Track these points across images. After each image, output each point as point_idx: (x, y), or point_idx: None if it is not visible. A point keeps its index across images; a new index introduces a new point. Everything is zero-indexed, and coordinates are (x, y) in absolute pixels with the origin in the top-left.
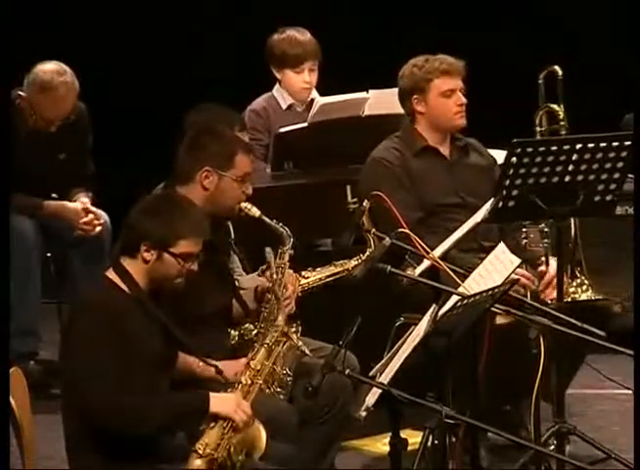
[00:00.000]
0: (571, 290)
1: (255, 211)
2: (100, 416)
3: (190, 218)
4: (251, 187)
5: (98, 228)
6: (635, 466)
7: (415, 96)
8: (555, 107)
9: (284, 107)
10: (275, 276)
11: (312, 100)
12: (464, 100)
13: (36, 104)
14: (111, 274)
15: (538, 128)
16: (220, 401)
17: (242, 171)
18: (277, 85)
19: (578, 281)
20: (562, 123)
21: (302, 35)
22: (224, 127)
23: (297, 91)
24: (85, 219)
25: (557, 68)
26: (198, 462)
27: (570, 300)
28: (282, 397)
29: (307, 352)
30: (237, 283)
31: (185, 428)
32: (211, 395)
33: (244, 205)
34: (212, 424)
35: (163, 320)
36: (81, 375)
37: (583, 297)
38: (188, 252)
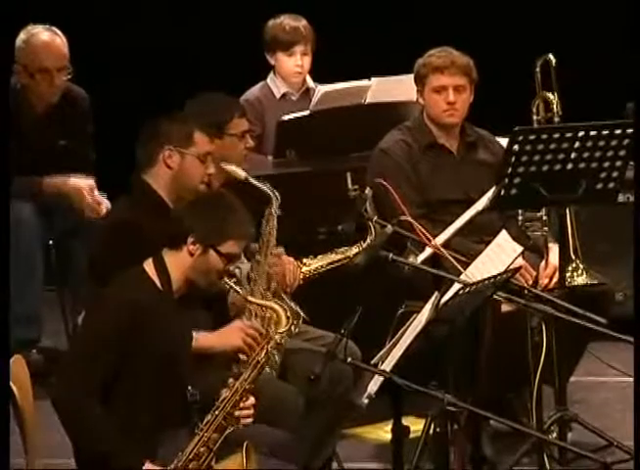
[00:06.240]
0: (567, 274)
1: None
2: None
3: (240, 220)
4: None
5: (103, 211)
6: (635, 453)
7: (418, 88)
8: (549, 95)
9: (278, 96)
10: (263, 241)
11: (308, 88)
12: (452, 98)
13: (31, 60)
14: (148, 266)
15: (535, 117)
16: None
17: (203, 149)
18: (271, 73)
19: (573, 265)
20: (555, 111)
21: (295, 21)
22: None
23: (289, 75)
24: (90, 199)
25: (551, 56)
26: None
27: (565, 284)
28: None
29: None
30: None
31: None
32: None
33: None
34: None
35: (187, 322)
36: (66, 358)
37: (579, 281)
38: (233, 252)
